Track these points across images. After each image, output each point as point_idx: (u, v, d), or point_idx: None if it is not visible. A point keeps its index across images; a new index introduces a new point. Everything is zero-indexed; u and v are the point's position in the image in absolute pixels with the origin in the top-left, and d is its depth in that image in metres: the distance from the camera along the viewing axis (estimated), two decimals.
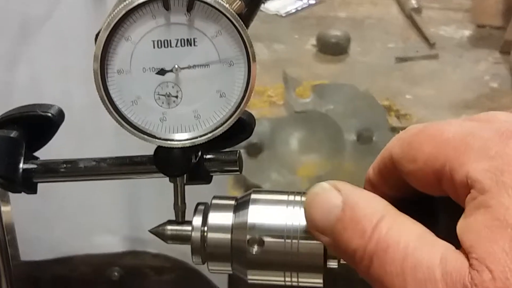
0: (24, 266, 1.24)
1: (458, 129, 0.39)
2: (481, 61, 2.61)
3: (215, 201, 0.47)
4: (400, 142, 0.42)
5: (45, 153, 0.54)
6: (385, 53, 2.64)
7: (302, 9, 2.99)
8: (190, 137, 0.45)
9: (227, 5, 0.42)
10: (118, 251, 1.34)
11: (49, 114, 0.52)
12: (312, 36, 2.71)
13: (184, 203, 0.48)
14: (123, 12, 0.41)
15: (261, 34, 2.53)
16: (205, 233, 0.46)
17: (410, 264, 0.36)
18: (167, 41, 0.43)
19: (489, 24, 2.79)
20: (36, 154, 0.53)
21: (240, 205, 0.46)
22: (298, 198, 0.46)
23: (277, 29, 2.76)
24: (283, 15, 2.92)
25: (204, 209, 0.47)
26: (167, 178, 0.48)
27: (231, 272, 0.47)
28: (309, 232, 0.43)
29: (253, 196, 0.46)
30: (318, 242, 0.44)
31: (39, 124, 0.52)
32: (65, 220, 1.26)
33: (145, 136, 0.44)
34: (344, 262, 0.44)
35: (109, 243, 1.32)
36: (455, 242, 0.38)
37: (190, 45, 0.43)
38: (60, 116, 0.53)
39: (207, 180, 0.50)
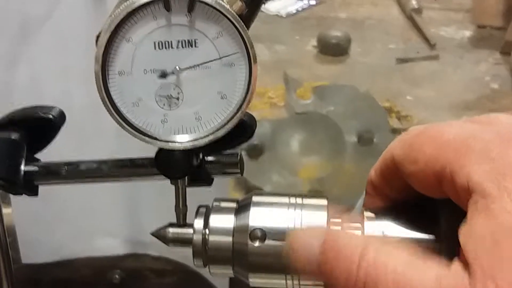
0: (25, 269, 1.24)
1: (459, 131, 0.39)
2: (481, 62, 2.62)
3: (216, 204, 0.47)
4: (402, 143, 0.42)
5: (46, 155, 0.54)
6: (386, 54, 2.65)
7: (303, 9, 2.99)
8: (191, 139, 0.44)
9: (228, 6, 0.42)
10: (119, 253, 1.33)
11: (50, 116, 0.52)
12: (312, 37, 2.71)
13: (186, 206, 0.48)
14: (124, 13, 0.41)
15: (261, 35, 2.53)
16: (207, 236, 0.46)
17: (405, 286, 0.36)
18: (168, 42, 0.43)
19: (490, 24, 2.79)
20: (37, 155, 0.53)
21: (242, 207, 0.46)
22: (299, 200, 0.46)
23: (278, 30, 2.77)
24: (284, 15, 2.93)
25: (206, 211, 0.47)
26: (168, 181, 0.48)
27: (232, 275, 0.47)
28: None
29: (255, 198, 0.46)
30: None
31: (40, 126, 0.52)
32: (66, 223, 1.26)
33: (146, 138, 0.44)
34: None
35: (110, 245, 1.32)
36: (457, 246, 0.38)
37: (191, 46, 0.43)
38: (61, 118, 0.53)
39: (208, 182, 0.50)
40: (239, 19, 0.42)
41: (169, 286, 1.38)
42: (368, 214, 0.45)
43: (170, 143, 0.44)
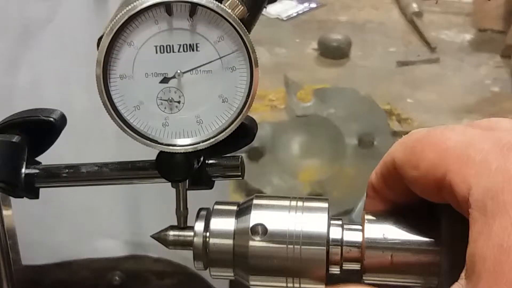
0: (26, 270, 1.24)
1: (460, 137, 0.39)
2: (482, 65, 2.61)
3: (217, 207, 0.47)
4: (403, 147, 0.42)
5: (46, 158, 0.54)
6: (386, 57, 2.64)
7: (303, 13, 2.99)
8: (192, 142, 0.44)
9: (229, 10, 0.42)
10: (120, 255, 1.33)
11: (51, 119, 0.52)
12: (313, 40, 2.71)
13: (186, 209, 0.48)
14: (126, 17, 0.41)
15: (262, 38, 2.53)
16: (207, 239, 0.46)
17: None
18: (169, 46, 0.43)
19: (490, 28, 2.79)
20: (38, 158, 0.53)
21: (242, 210, 0.46)
22: (300, 203, 0.46)
23: (279, 33, 2.77)
24: (284, 18, 2.92)
25: (206, 214, 0.47)
26: (169, 183, 0.48)
27: (233, 277, 0.47)
28: None
29: (255, 201, 0.46)
30: (320, 248, 0.44)
31: (41, 129, 0.52)
32: (66, 225, 1.26)
33: (147, 141, 0.44)
34: (346, 268, 0.44)
35: (111, 247, 1.32)
36: (457, 249, 0.38)
37: (193, 50, 0.43)
38: (62, 121, 0.53)
39: (209, 185, 0.50)
40: (241, 23, 0.42)
41: (169, 287, 1.38)
42: (368, 217, 0.45)
43: (171, 147, 0.44)
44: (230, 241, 0.45)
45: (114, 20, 0.42)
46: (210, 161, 0.49)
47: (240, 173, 0.50)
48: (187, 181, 0.48)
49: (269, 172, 1.99)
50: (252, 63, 0.43)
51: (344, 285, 0.43)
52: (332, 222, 0.45)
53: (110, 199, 1.26)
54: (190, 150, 0.45)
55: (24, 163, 0.51)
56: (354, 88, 2.29)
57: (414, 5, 2.88)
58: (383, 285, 0.44)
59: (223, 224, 0.46)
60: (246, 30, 0.42)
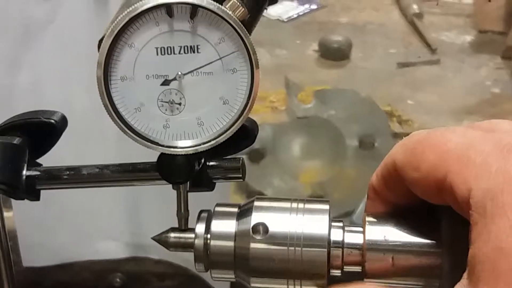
0: (26, 272, 1.24)
1: (461, 139, 0.39)
2: (482, 66, 2.62)
3: (218, 209, 0.47)
4: (404, 148, 0.42)
5: (47, 160, 0.54)
6: (387, 58, 2.65)
7: (304, 14, 2.99)
8: (193, 144, 0.44)
9: (230, 12, 0.42)
10: (120, 257, 1.33)
11: (52, 121, 0.52)
12: (314, 41, 2.71)
13: (187, 210, 0.48)
14: (127, 19, 0.41)
15: (263, 39, 2.53)
16: (208, 241, 0.46)
17: None
18: (170, 48, 0.43)
19: (491, 29, 2.79)
20: (38, 160, 0.53)
21: (243, 212, 0.46)
22: (301, 205, 0.46)
23: (279, 34, 2.77)
24: (285, 20, 2.93)
25: (207, 216, 0.47)
26: (169, 185, 0.48)
27: (234, 279, 0.47)
28: None
29: (256, 203, 0.46)
30: (321, 250, 0.44)
31: (42, 130, 0.52)
32: (67, 226, 1.26)
33: (148, 143, 0.44)
34: (347, 270, 0.44)
35: (111, 249, 1.32)
36: (458, 251, 0.38)
37: (193, 52, 0.43)
38: (63, 123, 0.53)
39: (210, 187, 0.50)
40: (242, 25, 0.42)
41: None
42: (369, 218, 0.45)
43: (172, 149, 0.44)
44: (231, 243, 0.45)
45: (115, 22, 0.41)
46: (211, 163, 0.49)
47: (241, 175, 0.50)
48: (188, 183, 0.48)
49: (269, 174, 1.99)
50: (253, 64, 0.43)
51: (345, 285, 0.43)
52: (333, 224, 0.45)
53: (111, 201, 1.26)
54: (191, 152, 0.44)
55: (25, 165, 0.51)
56: (355, 89, 2.29)
57: (415, 7, 2.88)
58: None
59: (224, 226, 0.46)
60: (247, 32, 0.42)
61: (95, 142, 1.16)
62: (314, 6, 3.03)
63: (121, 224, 1.30)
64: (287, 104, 2.28)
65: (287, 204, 0.46)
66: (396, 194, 0.44)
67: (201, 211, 0.47)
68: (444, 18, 2.92)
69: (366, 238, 0.44)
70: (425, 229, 0.43)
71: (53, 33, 1.12)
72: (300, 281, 0.45)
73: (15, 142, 0.51)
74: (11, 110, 0.54)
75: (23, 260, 1.14)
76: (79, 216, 1.26)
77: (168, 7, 0.42)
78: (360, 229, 0.45)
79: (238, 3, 0.42)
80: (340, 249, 0.44)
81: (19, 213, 0.82)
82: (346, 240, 0.44)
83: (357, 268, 0.44)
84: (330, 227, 0.45)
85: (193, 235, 0.47)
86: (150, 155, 0.47)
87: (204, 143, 0.44)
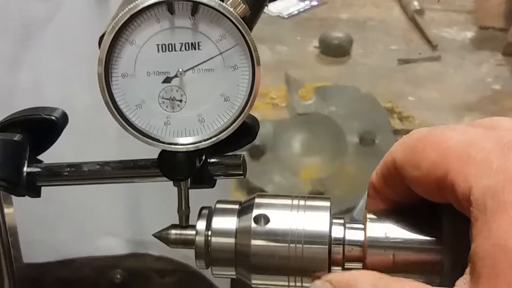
0: (27, 268, 1.24)
1: (461, 137, 0.39)
2: (483, 63, 2.61)
3: (219, 206, 0.47)
4: (404, 147, 0.42)
5: (48, 156, 0.54)
6: (388, 55, 2.65)
7: (305, 10, 2.99)
8: (194, 141, 0.44)
9: (231, 9, 0.42)
10: (121, 253, 1.33)
11: (53, 118, 0.52)
12: (314, 38, 2.71)
13: (188, 207, 0.48)
14: (128, 16, 0.41)
15: (263, 35, 2.53)
16: (209, 238, 0.46)
17: None
18: (171, 45, 0.43)
19: (492, 26, 2.79)
20: (39, 157, 0.53)
21: (244, 209, 0.46)
22: (302, 202, 0.46)
23: (280, 30, 2.77)
24: (286, 16, 2.92)
25: (208, 213, 0.47)
26: (170, 182, 0.48)
27: (235, 276, 0.47)
28: None
29: (257, 200, 0.46)
30: (322, 246, 0.44)
31: (43, 127, 0.52)
32: (68, 223, 1.26)
33: (149, 140, 0.44)
34: (348, 267, 0.44)
35: (112, 245, 1.32)
36: (459, 248, 0.38)
37: (194, 48, 0.43)
38: (64, 119, 0.53)
39: (211, 184, 0.50)
40: (243, 22, 0.42)
41: (170, 285, 1.38)
42: (370, 215, 0.45)
43: (173, 145, 0.44)
44: (232, 240, 0.45)
45: (116, 19, 0.41)
46: (212, 160, 0.49)
47: (242, 172, 0.50)
48: (189, 179, 0.48)
49: (270, 170, 1.99)
50: (254, 61, 0.43)
51: (345, 272, 0.43)
52: (334, 221, 0.45)
53: (112, 198, 1.26)
54: (192, 149, 0.44)
55: (26, 162, 0.51)
56: (355, 86, 2.29)
57: (415, 3, 2.88)
58: None
59: (225, 223, 0.46)
60: (247, 29, 0.42)
61: (96, 139, 1.16)
62: (314, 3, 3.03)
63: (122, 220, 1.31)
64: (288, 101, 2.28)
65: (288, 201, 0.46)
66: (396, 192, 0.44)
67: (202, 208, 0.48)
68: (445, 14, 2.92)
69: (367, 235, 0.44)
70: (425, 226, 0.43)
71: (53, 31, 1.12)
72: (301, 278, 0.45)
73: (15, 138, 0.51)
74: (11, 109, 0.54)
75: (23, 256, 1.14)
76: (80, 213, 1.26)
77: (169, 4, 0.42)
78: (361, 226, 0.45)
79: (239, 0, 0.42)
80: (341, 246, 0.44)
81: (20, 210, 0.83)
82: (347, 237, 0.44)
83: (358, 265, 0.44)
84: (331, 224, 0.45)
85: (194, 232, 0.47)
86: (151, 152, 0.47)
87: (205, 140, 0.44)
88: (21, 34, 1.11)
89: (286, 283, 0.45)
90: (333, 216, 0.45)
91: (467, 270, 0.36)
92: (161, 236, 0.48)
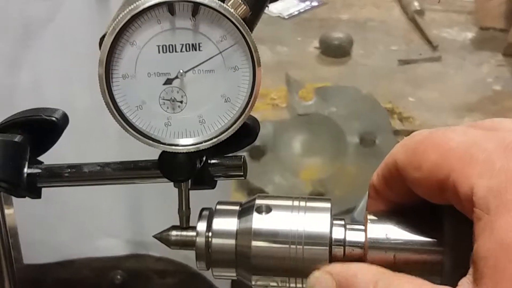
0: (27, 269, 1.24)
1: (463, 138, 0.39)
2: (484, 63, 2.62)
3: (219, 207, 0.47)
4: (405, 148, 0.42)
5: (49, 157, 0.54)
6: (388, 55, 2.65)
7: (305, 11, 2.99)
8: (195, 142, 0.44)
9: (232, 10, 0.42)
10: (121, 254, 1.33)
11: (54, 119, 0.52)
12: (315, 38, 2.71)
13: (189, 208, 0.48)
14: (128, 17, 0.41)
15: (264, 36, 2.53)
16: (210, 239, 0.46)
17: None
18: (172, 46, 0.43)
19: (492, 26, 2.79)
20: (40, 158, 0.53)
21: (245, 210, 0.46)
22: (302, 203, 0.46)
23: (280, 31, 2.77)
24: (286, 17, 2.93)
25: (209, 214, 0.47)
26: (171, 183, 0.48)
27: (235, 277, 0.47)
28: None
29: (258, 201, 0.46)
30: (322, 248, 0.44)
31: (43, 128, 0.52)
32: (68, 223, 1.26)
33: (150, 141, 0.44)
34: None
35: (112, 246, 1.32)
36: (460, 250, 0.38)
37: (195, 49, 0.43)
38: (64, 120, 0.53)
39: (212, 185, 0.50)
40: (243, 23, 0.42)
41: (170, 286, 1.38)
42: (371, 217, 0.45)
43: (173, 146, 0.44)
44: (232, 241, 0.45)
45: (117, 20, 0.41)
46: (213, 161, 0.49)
47: (242, 173, 0.50)
48: (189, 181, 0.48)
49: (270, 171, 2.00)
50: (254, 62, 0.43)
51: (347, 264, 0.43)
52: (334, 222, 0.45)
53: (112, 199, 1.26)
54: (192, 150, 0.44)
55: (26, 163, 0.51)
56: (356, 86, 2.29)
57: (416, 4, 2.88)
58: None
59: (226, 224, 0.46)
60: (248, 29, 0.42)
61: (97, 140, 1.16)
62: (315, 3, 3.03)
63: (122, 221, 1.30)
64: (288, 101, 2.28)
65: (288, 202, 0.46)
66: (397, 193, 0.44)
67: (202, 209, 0.47)
68: (445, 15, 2.92)
69: (368, 236, 0.44)
70: (426, 228, 0.43)
71: (53, 31, 1.12)
72: (302, 279, 0.45)
73: (16, 139, 0.51)
74: (12, 109, 0.54)
75: (24, 257, 1.14)
76: (80, 214, 1.26)
77: (170, 5, 0.41)
78: (362, 227, 0.45)
79: (240, 1, 0.42)
80: (342, 247, 0.44)
81: (20, 211, 0.82)
82: (347, 238, 0.44)
83: None
84: (331, 225, 0.45)
85: (194, 233, 0.47)
86: (151, 153, 0.47)
87: (205, 141, 0.44)
88: (21, 34, 1.11)
89: (287, 284, 0.45)
90: (333, 217, 0.45)
91: (470, 271, 0.36)
92: (162, 237, 0.48)
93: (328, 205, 0.46)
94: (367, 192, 0.46)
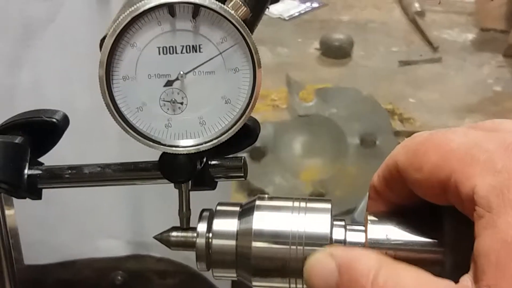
0: (28, 270, 1.24)
1: (464, 139, 0.39)
2: (484, 64, 2.62)
3: (219, 208, 0.47)
4: (405, 150, 0.42)
5: (49, 158, 0.54)
6: (388, 56, 2.65)
7: (305, 12, 2.99)
8: (195, 143, 0.44)
9: (232, 12, 0.42)
10: (122, 255, 1.33)
11: (54, 120, 0.52)
12: (315, 40, 2.71)
13: (189, 210, 0.48)
14: (129, 18, 0.41)
15: (264, 37, 2.53)
16: (210, 240, 0.46)
17: None
18: (172, 47, 0.43)
19: (493, 27, 2.80)
20: (40, 159, 0.53)
21: (245, 211, 0.46)
22: (303, 204, 0.46)
23: (281, 32, 2.77)
24: (286, 18, 2.93)
25: (209, 215, 0.47)
26: (171, 184, 0.48)
27: (236, 278, 0.47)
28: None
29: (258, 202, 0.46)
30: (323, 248, 0.44)
31: (43, 129, 0.52)
32: (68, 224, 1.26)
33: (150, 143, 0.44)
34: None
35: (113, 247, 1.32)
36: (460, 251, 0.38)
37: (196, 51, 0.43)
38: (64, 122, 0.53)
39: (212, 186, 0.50)
40: (244, 25, 0.42)
41: (171, 287, 1.38)
42: (371, 217, 0.45)
43: (174, 148, 0.44)
44: (232, 242, 0.45)
45: (117, 21, 0.41)
46: (213, 162, 0.49)
47: (243, 174, 0.50)
48: (190, 182, 0.48)
49: (271, 172, 2.00)
50: (255, 64, 0.43)
51: (352, 248, 0.43)
52: (335, 223, 0.45)
53: (113, 200, 1.26)
54: (193, 151, 0.44)
55: (27, 164, 0.51)
56: (356, 87, 2.29)
57: (416, 5, 2.88)
58: None
59: (226, 225, 0.46)
60: (249, 31, 0.42)
61: (97, 141, 1.16)
62: (315, 4, 3.03)
63: (123, 222, 1.31)
64: (289, 103, 2.28)
65: (289, 203, 0.46)
66: (397, 194, 0.44)
67: (202, 210, 0.48)
68: (445, 16, 2.92)
69: (368, 237, 0.44)
70: (427, 228, 0.43)
71: (54, 32, 1.12)
72: (302, 280, 0.45)
73: (16, 141, 0.51)
74: (12, 109, 0.54)
75: (24, 258, 1.14)
76: (81, 215, 1.26)
77: (170, 7, 0.41)
78: (362, 228, 0.45)
79: (240, 3, 0.42)
80: None
81: (21, 212, 0.83)
82: (348, 239, 0.44)
83: None
84: (332, 226, 0.45)
85: (194, 234, 0.47)
86: (152, 154, 0.47)
87: (206, 143, 0.44)
88: (21, 34, 1.11)
89: (287, 285, 0.45)
90: (334, 218, 0.45)
91: (471, 268, 0.36)
92: (162, 238, 0.48)
93: (328, 206, 0.46)
94: (368, 193, 0.46)
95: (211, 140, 0.44)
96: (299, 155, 2.07)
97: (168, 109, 0.44)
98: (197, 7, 0.42)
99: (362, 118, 2.14)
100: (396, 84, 2.47)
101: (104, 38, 0.42)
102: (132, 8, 0.41)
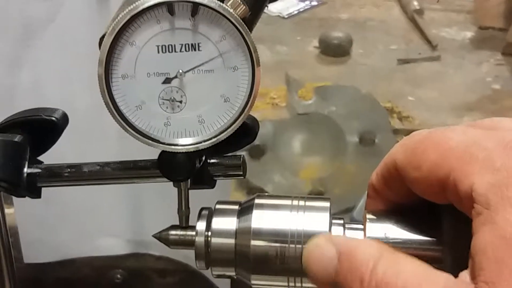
0: (27, 269, 1.24)
1: (462, 137, 0.39)
2: (483, 62, 2.62)
3: (218, 206, 0.47)
4: (404, 148, 0.42)
5: (48, 157, 0.54)
6: (387, 55, 2.65)
7: (304, 10, 2.99)
8: (194, 142, 0.44)
9: (231, 10, 0.42)
10: (121, 253, 1.33)
11: (53, 118, 0.52)
12: (314, 38, 2.71)
13: (188, 208, 0.48)
14: (128, 17, 0.41)
15: (263, 36, 2.53)
16: (209, 238, 0.46)
17: None
18: (171, 46, 0.43)
19: (491, 25, 2.80)
20: (40, 158, 0.53)
21: (244, 210, 0.46)
22: (302, 202, 0.46)
23: (279, 30, 2.77)
24: (285, 16, 2.93)
25: (208, 214, 0.47)
26: (170, 182, 0.48)
27: (235, 276, 0.47)
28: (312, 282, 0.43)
29: (257, 201, 0.46)
30: (322, 234, 0.44)
31: (43, 128, 0.52)
32: (68, 223, 1.26)
33: (149, 141, 0.44)
34: None
35: (112, 245, 1.32)
36: (459, 249, 0.38)
37: (195, 49, 0.43)
38: (64, 120, 0.53)
39: (211, 184, 0.50)
40: (243, 23, 0.42)
41: (171, 285, 1.38)
42: (370, 216, 0.45)
43: (173, 146, 0.44)
44: (232, 241, 0.46)
45: (116, 20, 0.42)
46: (212, 161, 0.49)
47: (242, 172, 0.50)
48: (189, 180, 0.48)
49: (270, 170, 2.00)
50: (254, 62, 0.43)
51: (352, 238, 0.43)
52: (333, 221, 0.45)
53: (112, 198, 1.26)
54: (192, 150, 0.45)
55: (26, 163, 0.51)
56: (355, 86, 2.29)
57: (415, 3, 2.88)
58: None
59: (225, 223, 0.46)
60: (248, 30, 0.42)
61: (96, 140, 1.16)
62: (314, 3, 3.03)
63: (122, 221, 1.31)
64: (288, 101, 2.28)
65: (287, 202, 0.46)
66: (396, 193, 0.44)
67: (202, 209, 0.48)
68: (444, 14, 2.92)
69: (367, 235, 0.44)
70: (425, 227, 0.43)
71: (53, 32, 1.12)
72: (301, 278, 0.45)
73: (16, 139, 0.51)
74: (12, 109, 0.54)
75: (24, 257, 1.14)
76: (80, 213, 1.26)
77: (169, 5, 0.42)
78: (361, 226, 0.45)
79: (239, 1, 0.42)
80: None
81: (20, 210, 0.82)
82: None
83: None
84: (330, 224, 0.45)
85: (193, 233, 0.47)
86: (151, 153, 0.47)
87: (205, 141, 0.44)
88: (21, 34, 1.11)
89: (286, 284, 0.45)
90: (332, 216, 0.45)
91: (469, 264, 0.37)
92: (161, 236, 0.49)
93: (327, 204, 0.46)
94: (366, 192, 0.47)
95: (210, 139, 0.44)
96: (298, 153, 2.07)
97: (167, 107, 0.44)
98: (196, 6, 0.42)
99: (361, 116, 2.14)
100: (395, 82, 2.47)
101: (103, 36, 0.42)
102: (131, 7, 0.41)
